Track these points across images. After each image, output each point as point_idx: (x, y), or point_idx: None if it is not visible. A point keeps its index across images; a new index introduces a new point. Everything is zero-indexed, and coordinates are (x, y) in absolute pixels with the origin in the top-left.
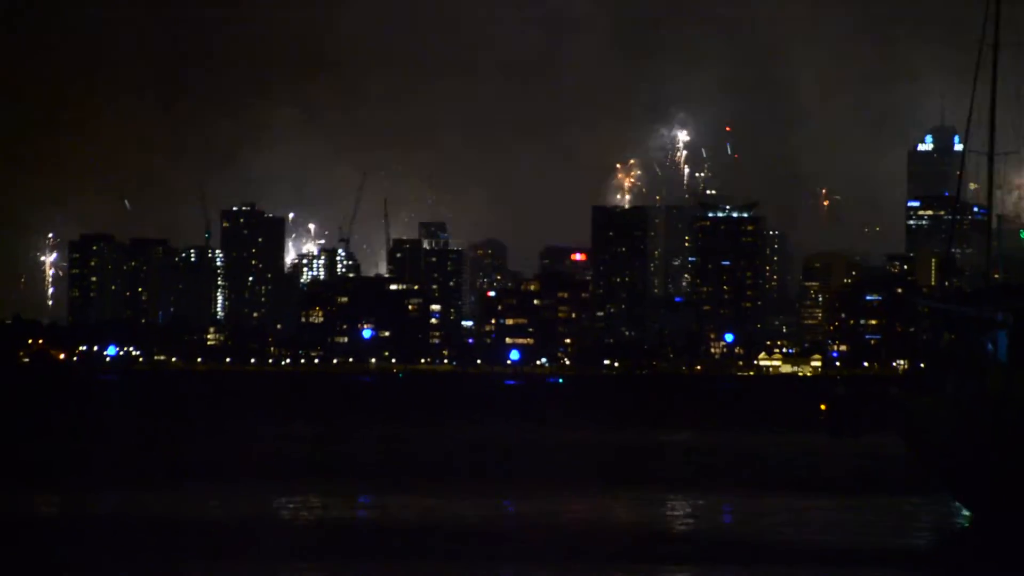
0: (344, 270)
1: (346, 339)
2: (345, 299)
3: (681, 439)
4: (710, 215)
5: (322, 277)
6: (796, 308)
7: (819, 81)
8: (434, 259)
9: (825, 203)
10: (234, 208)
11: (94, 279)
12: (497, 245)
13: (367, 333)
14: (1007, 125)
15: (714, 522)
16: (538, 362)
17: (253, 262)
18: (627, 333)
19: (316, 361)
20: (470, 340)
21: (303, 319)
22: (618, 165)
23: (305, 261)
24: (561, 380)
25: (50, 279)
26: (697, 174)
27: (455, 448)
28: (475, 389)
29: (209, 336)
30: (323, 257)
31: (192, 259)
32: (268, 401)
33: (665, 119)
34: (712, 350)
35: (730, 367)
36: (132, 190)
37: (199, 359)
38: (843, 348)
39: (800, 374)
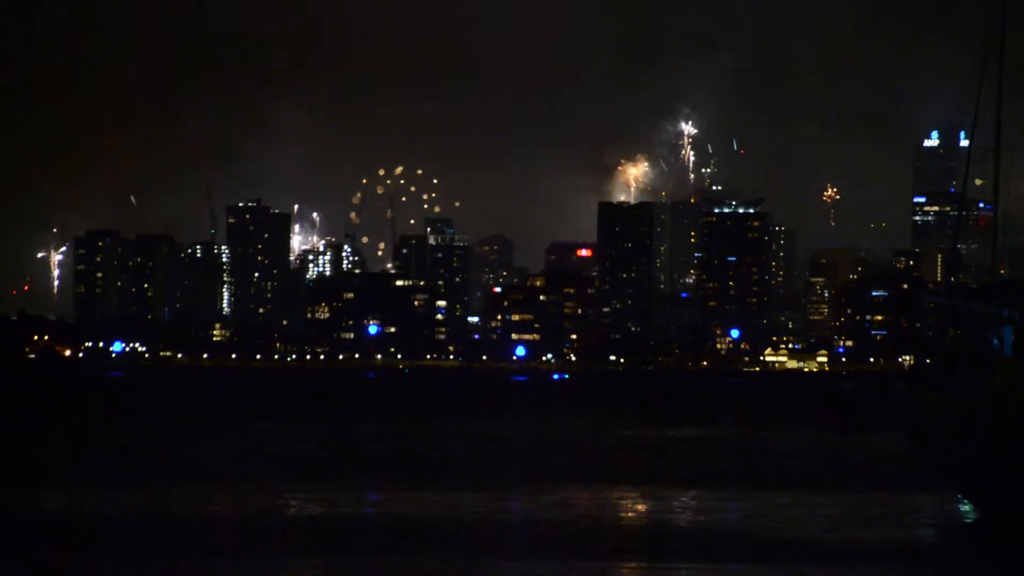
0: (350, 266)
1: (352, 335)
2: (351, 295)
3: (686, 435)
4: (716, 211)
5: (328, 273)
6: (802, 304)
7: (825, 77)
8: (440, 255)
9: (831, 199)
10: (240, 204)
11: (100, 275)
12: (503, 241)
13: (373, 329)
14: (1014, 121)
15: (718, 518)
16: (544, 358)
17: (259, 258)
18: (633, 329)
19: (322, 357)
20: (476, 336)
21: (309, 315)
22: (624, 161)
23: (311, 257)
24: (567, 376)
25: (56, 275)
26: (703, 170)
27: (460, 444)
28: (481, 385)
29: (215, 332)
30: (329, 253)
31: (198, 255)
32: (273, 397)
33: (671, 115)
34: (718, 346)
35: (736, 363)
36: (138, 187)
37: (205, 355)
38: (849, 344)
39: (806, 370)
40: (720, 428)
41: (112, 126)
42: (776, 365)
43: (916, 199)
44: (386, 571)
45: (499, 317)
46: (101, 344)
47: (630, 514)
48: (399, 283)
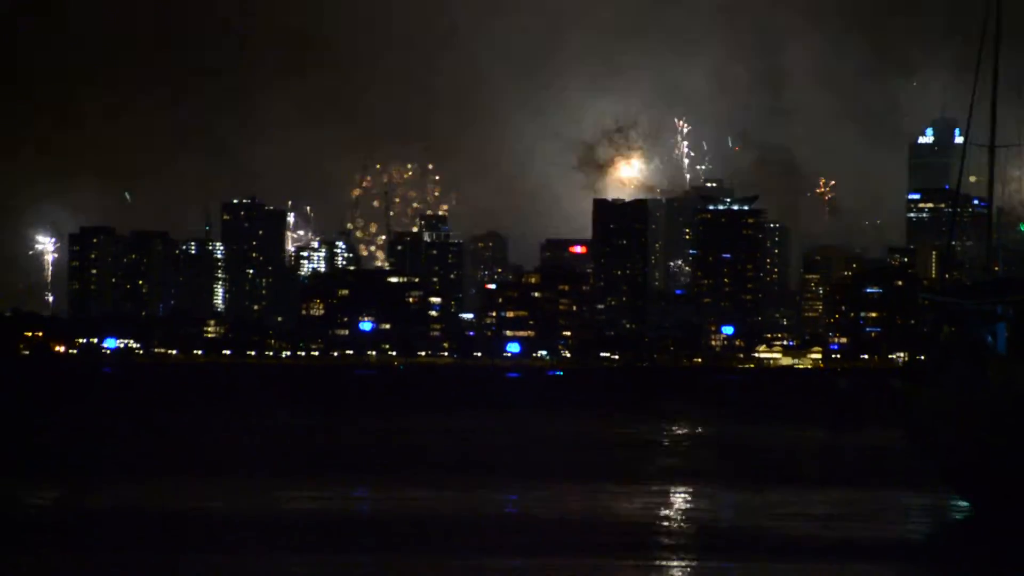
0: (344, 263)
1: (346, 332)
2: (345, 292)
3: (680, 431)
4: (710, 208)
5: (322, 270)
6: (796, 301)
7: (819, 73)
8: (434, 252)
9: (825, 196)
10: (234, 201)
11: (94, 271)
12: (497, 238)
13: (367, 326)
14: (1009, 118)
15: (712, 514)
16: (538, 355)
17: (253, 255)
18: (627, 326)
19: (316, 354)
20: (470, 333)
21: (303, 312)
22: (618, 158)
23: (305, 254)
24: (561, 373)
25: (50, 271)
26: (698, 167)
27: (454, 440)
28: (475, 381)
29: (209, 329)
30: (323, 250)
31: (192, 252)
32: (268, 393)
33: (666, 112)
34: (712, 342)
35: (730, 359)
36: (132, 183)
37: (199, 352)
38: (843, 341)
39: (800, 367)
40: (714, 424)
41: (105, 121)
42: (770, 362)
43: (911, 196)
44: (380, 568)
45: (493, 314)
46: (95, 341)
47: (622, 510)
48: (393, 280)
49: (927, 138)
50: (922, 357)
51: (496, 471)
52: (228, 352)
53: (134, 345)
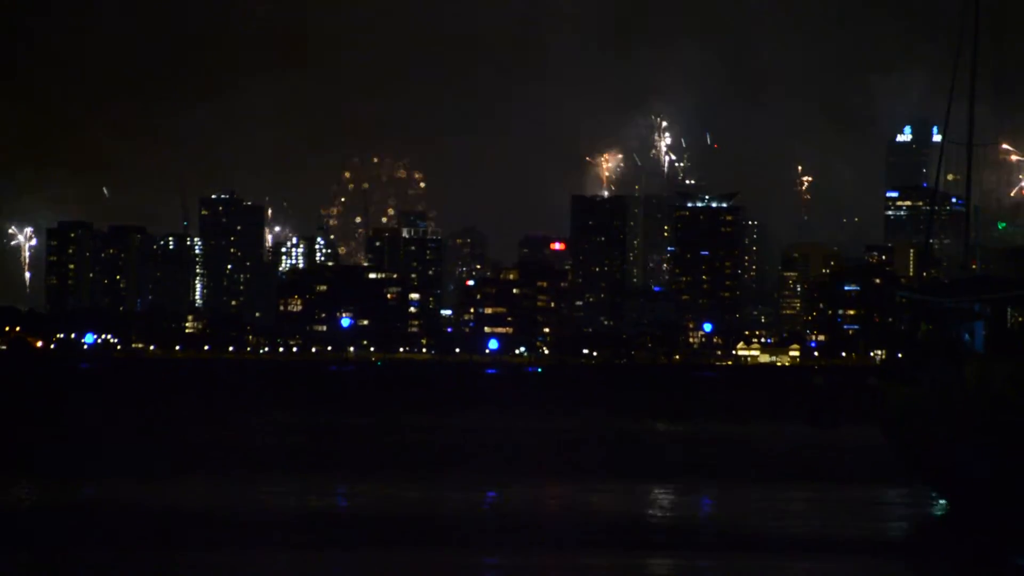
0: (323, 259)
1: (325, 328)
2: (324, 288)
3: (660, 428)
4: (689, 205)
5: (301, 265)
6: (775, 298)
7: (797, 71)
8: (413, 248)
9: (804, 194)
10: (212, 196)
11: (72, 266)
12: (476, 234)
13: (346, 322)
14: (986, 116)
15: (693, 511)
16: (517, 351)
17: (232, 250)
18: (606, 323)
19: (294, 350)
20: (449, 329)
21: (281, 307)
22: (598, 155)
23: (284, 249)
24: (540, 369)
25: (27, 266)
26: (677, 164)
27: (435, 437)
28: (454, 378)
29: (187, 324)
30: (302, 245)
31: (170, 247)
32: (247, 389)
33: (644, 109)
34: (691, 340)
35: (709, 357)
36: (110, 178)
37: (177, 347)
38: (821, 338)
39: (778, 364)
40: (693, 422)
41: (83, 117)
42: (749, 359)
43: (889, 194)
44: (367, 564)
45: (472, 310)
46: (73, 336)
47: (603, 507)
48: (372, 276)
49: (905, 136)
50: (900, 355)
51: (476, 467)
52: (207, 348)
53: (113, 340)
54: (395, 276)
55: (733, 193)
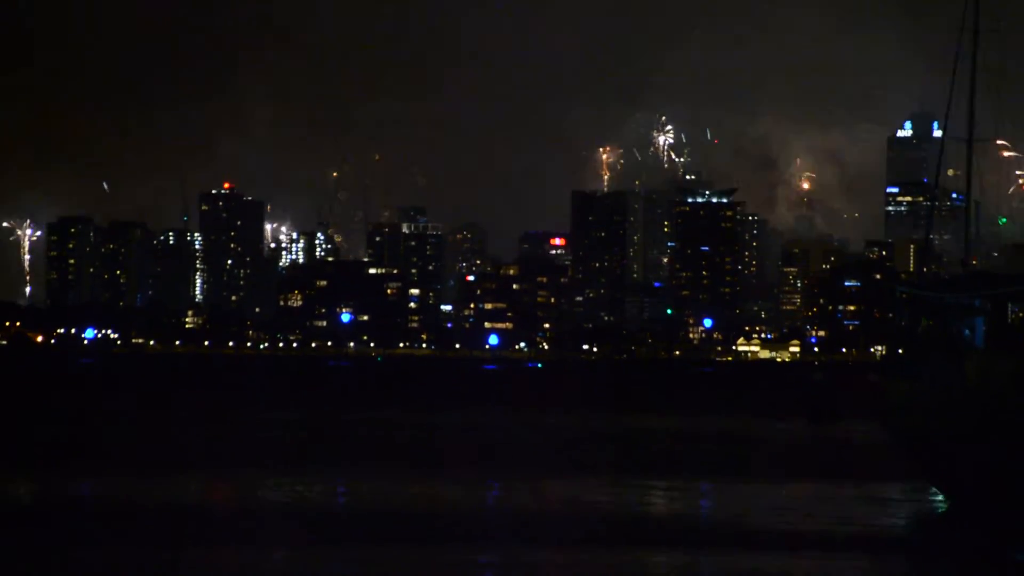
0: (323, 254)
1: (325, 323)
2: (324, 283)
3: (659, 424)
4: (689, 200)
5: (301, 261)
6: (775, 294)
7: (797, 67)
8: (413, 243)
9: (804, 189)
10: (212, 191)
11: (72, 261)
12: (476, 229)
13: (346, 317)
14: (986, 112)
15: (693, 507)
16: (517, 347)
17: (232, 245)
18: (606, 318)
19: (294, 345)
20: (449, 324)
21: (281, 303)
22: (599, 150)
23: (284, 245)
24: (540, 365)
25: (28, 261)
26: (677, 159)
27: (433, 432)
28: (454, 373)
29: (187, 319)
30: (302, 241)
31: (171, 242)
32: (247, 385)
33: (645, 105)
34: (691, 335)
35: (709, 352)
36: (110, 173)
37: (177, 342)
38: (821, 334)
39: (778, 359)
40: (692, 417)
41: (83, 112)
42: (749, 355)
43: (889, 189)
44: (367, 561)
45: (472, 305)
46: (73, 331)
47: (603, 503)
48: (372, 271)
49: (905, 132)
50: (900, 351)
51: (476, 463)
52: (207, 343)
53: (113, 335)
54: (395, 271)
55: (733, 188)
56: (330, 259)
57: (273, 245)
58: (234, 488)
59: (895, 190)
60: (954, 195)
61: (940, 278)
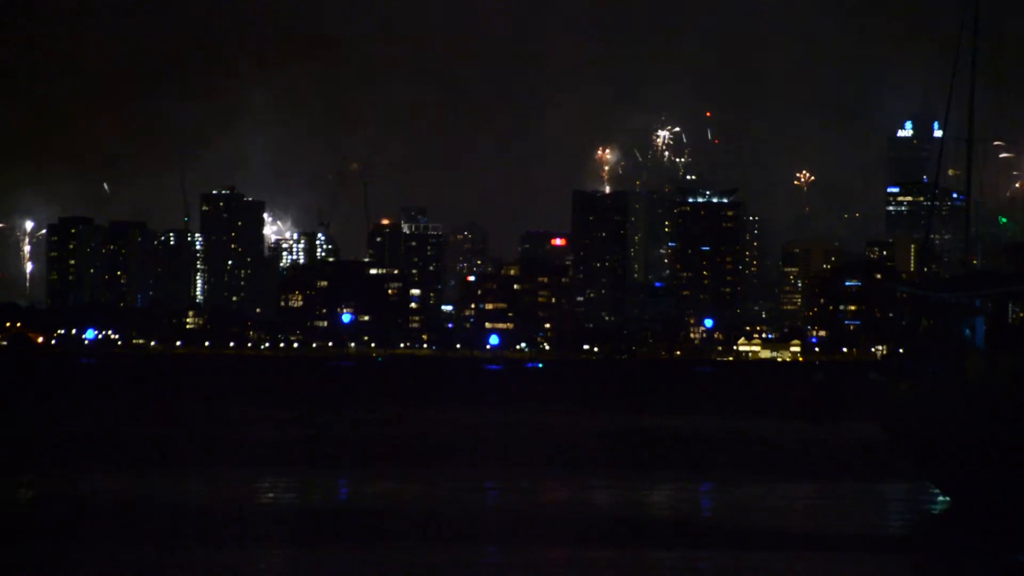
0: (324, 254)
1: (325, 323)
2: (324, 283)
3: (660, 424)
4: (690, 200)
5: (301, 261)
6: (775, 294)
7: (799, 67)
8: (414, 243)
9: (805, 189)
10: (213, 192)
11: (73, 262)
12: (477, 229)
13: (346, 317)
14: (986, 111)
15: (694, 507)
16: (518, 347)
17: (232, 246)
18: (607, 318)
19: (295, 345)
20: (450, 325)
21: (282, 303)
22: (599, 150)
23: (285, 245)
24: (541, 365)
25: (28, 261)
26: (677, 159)
27: (435, 432)
28: (455, 373)
29: (188, 320)
30: (303, 241)
31: (171, 242)
32: (248, 385)
33: (645, 105)
34: (692, 335)
35: (710, 352)
36: (111, 173)
37: (178, 343)
38: (822, 334)
39: (779, 359)
40: (694, 417)
41: (83, 112)
42: (749, 355)
43: (890, 189)
44: (368, 560)
45: (473, 306)
46: (74, 331)
47: (604, 502)
48: (373, 271)
49: (906, 131)
50: (900, 350)
51: (477, 462)
52: (207, 344)
53: (113, 336)
54: (396, 272)
55: (734, 188)
56: (331, 259)
57: (274, 245)
58: (234, 488)
59: (895, 190)
60: (955, 194)
61: (941, 278)
